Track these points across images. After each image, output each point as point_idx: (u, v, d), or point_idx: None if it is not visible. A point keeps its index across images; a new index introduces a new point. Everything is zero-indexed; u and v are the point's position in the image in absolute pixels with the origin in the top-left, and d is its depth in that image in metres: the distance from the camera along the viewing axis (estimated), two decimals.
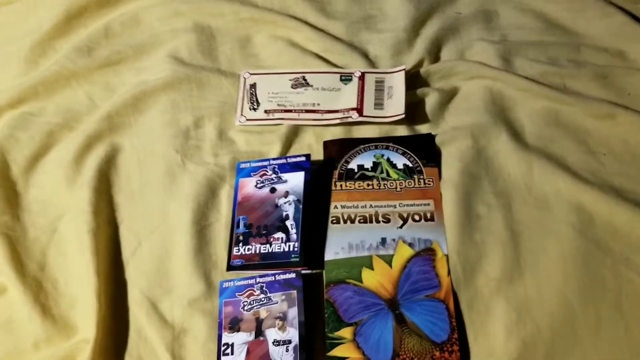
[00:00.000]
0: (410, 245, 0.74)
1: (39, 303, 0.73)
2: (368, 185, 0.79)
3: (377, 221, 0.76)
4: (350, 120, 0.84)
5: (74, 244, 0.76)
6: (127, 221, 0.79)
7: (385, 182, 0.79)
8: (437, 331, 0.69)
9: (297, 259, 0.73)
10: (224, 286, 0.73)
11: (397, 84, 0.86)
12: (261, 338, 0.69)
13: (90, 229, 0.76)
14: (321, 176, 0.80)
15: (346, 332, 0.69)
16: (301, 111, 0.86)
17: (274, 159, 0.81)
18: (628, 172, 0.77)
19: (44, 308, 0.73)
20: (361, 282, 0.72)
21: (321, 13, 0.95)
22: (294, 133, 0.85)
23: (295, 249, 0.74)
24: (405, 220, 0.76)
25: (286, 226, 0.76)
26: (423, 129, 0.84)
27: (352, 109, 0.85)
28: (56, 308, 0.74)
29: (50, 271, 0.76)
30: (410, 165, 0.80)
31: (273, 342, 0.69)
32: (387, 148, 0.82)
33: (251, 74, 0.90)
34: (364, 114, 0.84)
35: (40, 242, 0.78)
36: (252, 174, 0.80)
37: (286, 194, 0.78)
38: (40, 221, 0.80)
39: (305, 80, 0.88)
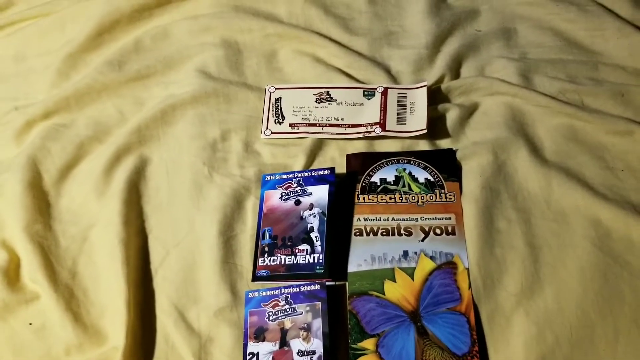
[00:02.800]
0: (432, 258, 0.76)
1: (71, 311, 0.75)
2: (390, 198, 0.81)
3: (399, 234, 0.78)
4: (373, 134, 0.86)
5: (105, 254, 0.78)
6: (156, 231, 0.81)
7: (407, 195, 0.81)
8: (458, 344, 0.70)
9: (322, 271, 0.75)
10: (249, 296, 0.75)
11: (419, 99, 0.88)
12: (286, 348, 0.71)
13: (121, 239, 0.78)
14: (344, 189, 0.82)
15: (369, 344, 0.71)
16: (325, 125, 0.88)
17: (299, 172, 0.83)
18: None
19: (76, 316, 0.75)
20: (384, 294, 0.74)
21: (344, 29, 0.97)
22: (317, 146, 0.87)
23: (320, 261, 0.76)
24: (426, 234, 0.78)
25: (311, 238, 0.78)
26: (444, 143, 0.86)
27: (375, 124, 0.87)
28: (87, 316, 0.76)
29: (81, 280, 0.78)
30: (432, 179, 0.82)
31: (297, 353, 0.70)
32: (409, 162, 0.84)
33: (276, 88, 0.92)
34: (387, 128, 0.86)
35: (71, 251, 0.80)
36: (277, 186, 0.82)
37: (311, 207, 0.80)
38: (71, 230, 0.82)
39: (329, 95, 0.90)
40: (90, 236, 0.81)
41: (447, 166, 0.83)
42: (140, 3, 0.98)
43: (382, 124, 0.87)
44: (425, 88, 0.89)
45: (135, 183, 0.84)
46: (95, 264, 0.79)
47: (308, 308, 0.73)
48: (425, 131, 0.85)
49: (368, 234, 0.78)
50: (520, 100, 0.88)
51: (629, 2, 0.97)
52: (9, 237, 0.81)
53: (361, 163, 0.84)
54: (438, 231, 0.78)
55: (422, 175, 0.83)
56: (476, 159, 0.83)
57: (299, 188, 0.82)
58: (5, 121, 0.92)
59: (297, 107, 0.90)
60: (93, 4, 0.99)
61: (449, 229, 0.78)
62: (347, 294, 0.74)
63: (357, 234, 0.78)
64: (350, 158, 0.85)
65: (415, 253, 0.76)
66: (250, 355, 0.71)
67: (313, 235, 0.78)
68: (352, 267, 0.76)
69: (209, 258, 0.78)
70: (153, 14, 1.00)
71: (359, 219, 0.80)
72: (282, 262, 0.77)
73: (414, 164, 0.84)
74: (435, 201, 0.80)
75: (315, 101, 0.90)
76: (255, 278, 0.76)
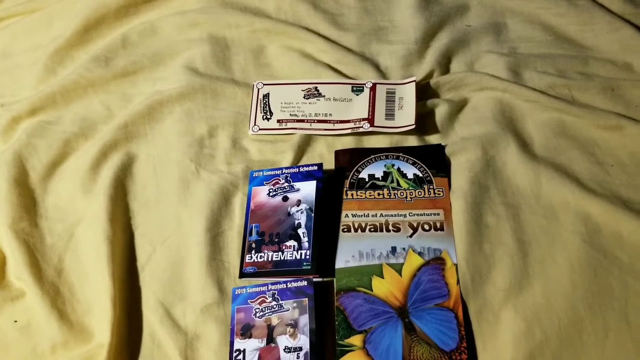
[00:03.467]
0: (420, 254, 0.76)
1: (56, 308, 0.75)
2: (379, 194, 0.81)
3: (388, 230, 0.78)
4: (361, 130, 0.86)
5: (91, 251, 0.78)
6: (142, 228, 0.81)
7: (396, 191, 0.81)
8: (446, 340, 0.70)
9: (309, 267, 0.75)
10: (236, 293, 0.74)
11: (407, 95, 0.88)
12: (272, 345, 0.71)
13: (107, 236, 0.77)
14: (332, 185, 0.82)
15: (356, 340, 0.71)
16: (313, 121, 0.87)
17: (286, 168, 0.83)
18: (635, 183, 0.78)
19: (61, 313, 0.75)
20: (371, 290, 0.74)
21: (333, 25, 0.97)
22: (306, 142, 0.86)
23: (307, 257, 0.75)
24: (415, 230, 0.77)
25: (298, 234, 0.77)
26: (433, 139, 0.85)
27: (364, 119, 0.86)
28: (73, 313, 0.75)
29: (67, 277, 0.78)
30: (421, 175, 0.82)
31: (284, 349, 0.70)
32: (397, 158, 0.83)
33: (264, 84, 0.91)
34: (375, 124, 0.86)
35: (57, 248, 0.80)
36: (264, 182, 0.82)
37: (298, 203, 0.80)
38: (57, 228, 0.81)
39: (317, 90, 0.90)
40: (76, 233, 0.81)
41: (436, 162, 0.82)
42: None
43: (371, 120, 0.86)
44: (414, 83, 0.88)
45: (121, 180, 0.84)
46: (81, 261, 0.79)
47: (295, 304, 0.73)
48: (413, 127, 0.85)
49: (356, 230, 0.78)
50: (510, 95, 0.87)
51: None
52: None
53: (349, 159, 0.84)
54: (426, 227, 0.77)
55: (410, 171, 0.82)
56: (465, 154, 0.82)
57: (286, 184, 0.81)
58: None
59: (285, 103, 0.89)
60: (80, 1, 0.99)
61: (438, 224, 0.77)
62: (335, 290, 0.74)
63: (345, 230, 0.78)
64: (338, 154, 0.85)
65: (404, 249, 0.76)
66: (237, 352, 0.71)
67: (300, 231, 0.77)
68: (339, 264, 0.76)
69: (196, 255, 0.77)
70: (140, 9, 1.00)
71: (347, 215, 0.79)
72: (270, 259, 0.76)
73: (403, 160, 0.83)
74: (423, 197, 0.80)
75: (304, 97, 0.89)
76: (242, 275, 0.76)
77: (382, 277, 0.74)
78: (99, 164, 0.85)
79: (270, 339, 0.71)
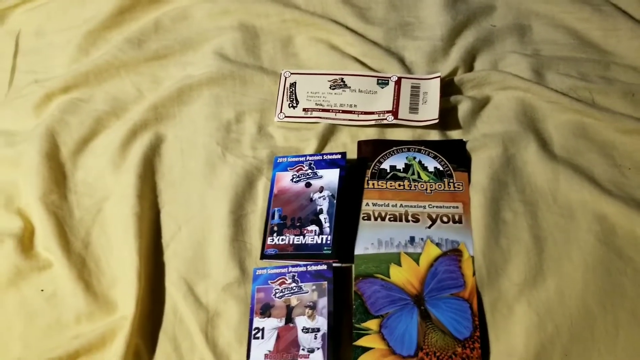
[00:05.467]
0: (438, 245, 0.77)
1: (83, 280, 0.77)
2: (399, 185, 0.83)
3: (407, 220, 0.79)
4: (385, 122, 0.87)
5: (118, 226, 0.80)
6: (168, 207, 0.83)
7: (416, 183, 0.83)
8: (460, 328, 0.71)
9: (329, 252, 0.77)
10: (257, 273, 0.76)
11: (432, 90, 0.89)
12: (291, 325, 0.73)
13: (135, 212, 0.80)
14: (355, 174, 0.84)
15: (372, 324, 0.73)
16: (338, 111, 0.89)
17: (310, 155, 0.84)
18: None
19: (87, 285, 0.77)
20: (389, 277, 0.75)
21: (361, 18, 0.99)
22: (330, 132, 0.88)
23: (328, 242, 0.77)
24: (434, 221, 0.79)
25: (320, 220, 0.79)
26: (455, 134, 0.87)
27: (388, 112, 0.88)
28: (98, 285, 0.77)
29: (94, 250, 0.80)
30: (441, 168, 0.83)
31: (302, 329, 0.72)
32: (419, 151, 0.85)
33: (292, 73, 0.93)
34: (399, 117, 0.88)
35: (85, 222, 0.82)
36: (288, 168, 0.84)
37: (321, 189, 0.82)
38: (86, 202, 0.83)
39: (343, 82, 0.92)
40: (104, 208, 0.83)
41: (456, 156, 0.84)
42: None
43: (395, 112, 0.88)
44: (438, 79, 0.90)
45: (150, 159, 0.86)
46: (108, 235, 0.81)
47: (314, 287, 0.74)
48: (436, 121, 0.86)
49: (376, 219, 0.80)
50: (532, 95, 0.89)
51: None
52: (24, 205, 0.83)
53: (372, 150, 0.86)
54: (445, 219, 0.79)
55: (431, 164, 0.84)
56: (486, 150, 0.84)
57: (310, 171, 0.83)
58: (25, 93, 0.94)
59: (311, 92, 0.91)
60: None
61: (456, 217, 0.79)
62: (353, 276, 0.76)
63: (366, 218, 0.80)
64: (361, 144, 0.87)
65: (422, 239, 0.78)
66: (256, 330, 0.73)
67: (322, 217, 0.79)
68: (359, 250, 0.77)
69: (219, 235, 0.79)
70: None
71: (367, 204, 0.81)
72: (291, 242, 0.78)
73: (424, 153, 0.85)
74: (443, 190, 0.82)
75: (330, 87, 0.91)
76: (263, 256, 0.78)
77: (400, 265, 0.76)
78: (129, 143, 0.87)
79: (289, 319, 0.73)
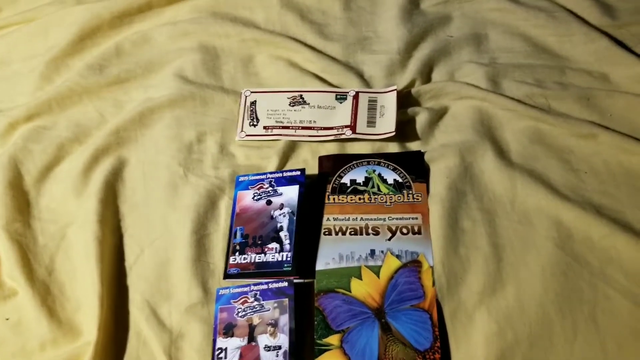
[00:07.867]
0: (398, 257, 0.78)
1: (46, 306, 0.77)
2: (359, 199, 0.83)
3: (367, 233, 0.80)
4: (343, 137, 0.88)
5: (81, 251, 0.80)
6: (131, 230, 0.83)
7: (376, 196, 0.83)
8: (420, 340, 0.72)
9: (290, 269, 0.77)
10: (220, 293, 0.77)
11: (389, 103, 0.90)
12: (253, 343, 0.73)
13: (96, 237, 0.80)
14: (316, 189, 0.84)
15: (334, 339, 0.73)
16: (298, 128, 0.90)
17: (270, 173, 0.85)
18: (607, 189, 0.81)
19: (51, 311, 0.77)
20: (350, 291, 0.76)
21: (319, 35, 1.00)
22: (290, 148, 0.89)
23: (288, 259, 0.78)
24: (393, 233, 0.80)
25: (280, 237, 0.80)
26: (413, 146, 0.88)
27: (346, 127, 0.89)
28: (62, 311, 0.78)
29: (58, 276, 0.80)
30: (400, 180, 0.84)
31: (264, 348, 0.72)
32: (378, 164, 0.86)
33: (252, 92, 0.94)
34: (357, 131, 0.89)
35: (49, 249, 0.82)
36: (250, 186, 0.85)
37: (281, 206, 0.82)
38: (49, 229, 0.84)
39: (302, 98, 0.93)
40: (68, 234, 0.83)
41: (415, 168, 0.85)
42: (121, 10, 1.02)
43: (353, 127, 0.89)
44: (395, 92, 0.91)
45: (111, 183, 0.86)
46: (72, 260, 0.81)
47: (276, 304, 0.75)
48: (393, 134, 0.87)
49: (337, 233, 0.81)
50: (488, 104, 0.90)
51: (597, 9, 0.99)
52: None
53: (332, 164, 0.87)
54: (405, 231, 0.80)
55: (391, 177, 0.85)
56: (443, 161, 0.85)
57: (270, 188, 0.84)
58: None
59: (271, 110, 0.92)
60: (76, 11, 1.03)
61: (415, 228, 0.80)
62: (315, 291, 0.76)
63: (327, 233, 0.81)
64: (322, 159, 0.87)
65: (382, 252, 0.78)
66: (219, 351, 0.73)
67: (282, 234, 0.80)
68: (320, 265, 0.78)
69: (182, 256, 0.80)
70: (134, 20, 1.03)
71: (328, 219, 0.82)
72: (252, 260, 0.79)
73: (384, 166, 0.86)
74: (402, 201, 0.82)
75: (289, 104, 0.92)
76: (226, 276, 0.78)
77: (361, 279, 0.77)
78: (91, 168, 0.87)
79: (252, 338, 0.73)
